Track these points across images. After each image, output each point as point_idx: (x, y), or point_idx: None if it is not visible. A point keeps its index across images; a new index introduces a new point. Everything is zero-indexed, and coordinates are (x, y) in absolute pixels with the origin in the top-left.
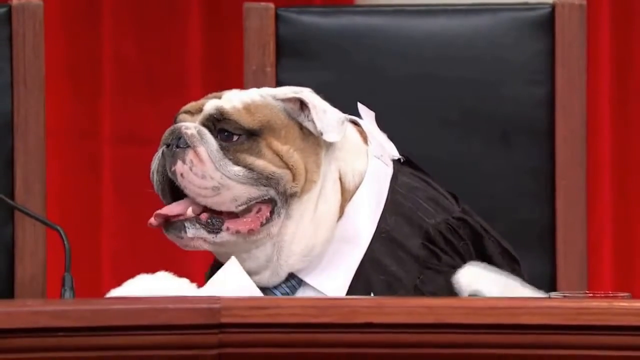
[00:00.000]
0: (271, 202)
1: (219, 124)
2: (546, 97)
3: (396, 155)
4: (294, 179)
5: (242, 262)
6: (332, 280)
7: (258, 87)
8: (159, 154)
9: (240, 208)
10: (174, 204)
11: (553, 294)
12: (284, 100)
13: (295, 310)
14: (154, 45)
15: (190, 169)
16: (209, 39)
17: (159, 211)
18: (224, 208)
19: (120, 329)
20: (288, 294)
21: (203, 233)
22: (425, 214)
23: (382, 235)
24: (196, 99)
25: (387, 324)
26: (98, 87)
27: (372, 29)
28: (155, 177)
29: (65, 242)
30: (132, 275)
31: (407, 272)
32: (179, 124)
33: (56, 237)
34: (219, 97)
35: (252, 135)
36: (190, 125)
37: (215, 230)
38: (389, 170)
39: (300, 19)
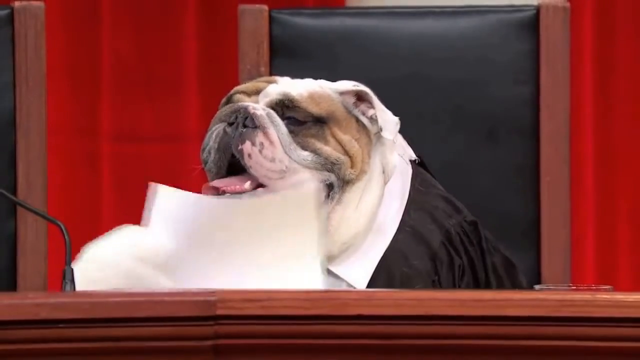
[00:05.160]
0: (329, 186)
1: (287, 110)
2: (531, 96)
3: (413, 156)
4: (352, 167)
5: None
6: (357, 270)
7: None
8: (218, 130)
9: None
10: (228, 179)
11: (537, 287)
12: (341, 93)
13: (288, 302)
14: (151, 46)
15: (260, 152)
16: (205, 39)
17: (210, 184)
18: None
19: (118, 320)
20: None
21: None
22: (443, 213)
23: (407, 229)
24: (192, 97)
25: (377, 315)
26: (97, 86)
27: (362, 30)
28: (213, 155)
29: (66, 237)
30: None
31: (426, 266)
32: (244, 104)
33: (57, 232)
34: (275, 82)
35: (319, 122)
36: (257, 107)
37: None
38: (409, 169)
39: (292, 20)
